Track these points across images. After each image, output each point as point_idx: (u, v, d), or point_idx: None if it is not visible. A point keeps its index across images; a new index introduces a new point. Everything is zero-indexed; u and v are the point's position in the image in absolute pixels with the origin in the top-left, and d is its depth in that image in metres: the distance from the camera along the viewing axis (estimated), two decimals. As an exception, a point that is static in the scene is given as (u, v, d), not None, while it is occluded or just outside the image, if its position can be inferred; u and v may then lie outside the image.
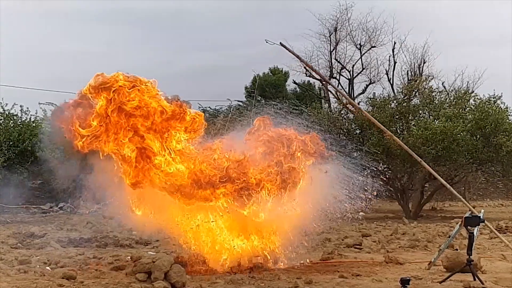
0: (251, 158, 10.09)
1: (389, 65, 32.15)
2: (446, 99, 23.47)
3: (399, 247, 12.95)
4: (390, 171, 22.17)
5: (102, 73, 9.84)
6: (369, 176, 11.70)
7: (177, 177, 9.69)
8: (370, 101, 24.00)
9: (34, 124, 24.95)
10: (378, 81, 32.28)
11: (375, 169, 13.47)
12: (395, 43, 32.07)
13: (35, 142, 23.03)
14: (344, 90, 31.69)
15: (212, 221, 10.02)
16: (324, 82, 30.91)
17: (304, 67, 30.33)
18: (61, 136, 9.99)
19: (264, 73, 36.65)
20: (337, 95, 27.35)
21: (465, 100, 22.73)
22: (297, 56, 12.29)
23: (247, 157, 9.99)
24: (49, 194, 24.44)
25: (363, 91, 32.19)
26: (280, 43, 10.91)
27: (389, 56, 32.17)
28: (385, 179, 21.86)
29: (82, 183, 10.62)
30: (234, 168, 9.87)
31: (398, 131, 22.07)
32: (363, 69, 32.22)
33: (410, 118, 22.50)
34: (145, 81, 9.81)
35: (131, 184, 9.68)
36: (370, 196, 11.49)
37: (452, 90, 26.17)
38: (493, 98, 21.85)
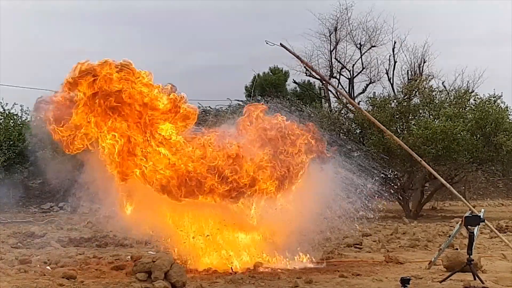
0: (244, 151, 9.71)
1: (389, 64, 32.17)
2: (446, 98, 23.48)
3: (399, 246, 12.95)
4: (402, 179, 22.09)
5: (86, 61, 9.37)
6: (377, 184, 11.56)
7: (162, 176, 9.37)
8: (370, 101, 24.02)
9: (35, 124, 24.96)
10: (378, 80, 32.31)
11: (384, 175, 13.36)
12: (395, 42, 32.10)
13: (34, 142, 22.96)
14: (344, 90, 31.69)
15: (207, 235, 9.79)
16: (324, 82, 30.91)
17: (305, 67, 30.34)
18: (47, 134, 9.64)
19: (264, 72, 36.64)
20: (337, 95, 27.38)
21: (465, 100, 22.74)
22: (297, 57, 12.26)
23: (240, 153, 9.62)
24: (49, 194, 24.45)
25: (363, 91, 32.22)
26: (281, 43, 10.78)
27: (389, 56, 32.20)
28: (396, 187, 21.74)
29: (77, 181, 10.35)
30: (225, 166, 9.49)
31: (398, 130, 22.08)
32: (363, 68, 32.24)
33: (410, 117, 22.51)
34: (137, 71, 9.40)
35: (119, 179, 9.42)
36: (379, 205, 11.36)
37: (452, 90, 26.19)
38: (493, 97, 21.87)
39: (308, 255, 10.32)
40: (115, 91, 9.21)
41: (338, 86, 31.41)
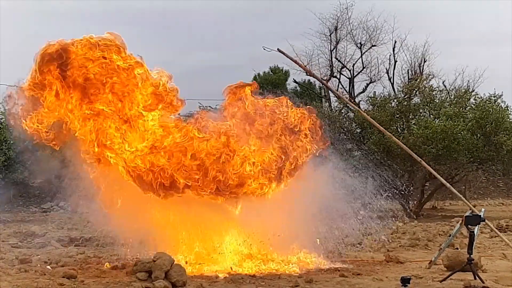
0: (234, 141, 8.98)
1: (389, 64, 32.12)
2: (447, 98, 23.48)
3: (400, 246, 12.94)
4: (411, 189, 22.06)
5: (60, 40, 8.54)
6: (386, 196, 11.45)
7: (134, 169, 8.80)
8: (370, 100, 24.02)
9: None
10: (378, 80, 32.26)
11: (394, 188, 13.42)
12: (395, 42, 32.04)
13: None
14: (345, 89, 31.71)
15: (199, 264, 9.25)
16: (325, 80, 30.90)
17: (305, 71, 30.29)
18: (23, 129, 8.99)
19: (264, 72, 36.63)
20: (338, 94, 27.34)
21: (466, 99, 22.75)
22: (295, 61, 12.33)
23: (230, 144, 8.88)
24: (50, 193, 24.46)
25: (364, 90, 32.17)
26: (278, 49, 10.53)
27: (390, 55, 32.15)
28: (404, 200, 21.66)
29: (68, 179, 9.96)
30: (209, 161, 8.78)
31: (399, 130, 22.07)
32: (363, 68, 32.19)
33: (410, 117, 22.49)
34: (127, 53, 8.68)
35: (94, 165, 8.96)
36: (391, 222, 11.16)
37: (452, 89, 26.21)
38: (494, 97, 21.87)
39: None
40: (90, 76, 8.53)
41: (338, 86, 31.43)
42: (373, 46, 31.98)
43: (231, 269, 9.45)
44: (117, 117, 8.82)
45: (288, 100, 9.79)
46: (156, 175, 8.90)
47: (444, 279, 8.66)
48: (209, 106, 29.12)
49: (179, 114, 9.53)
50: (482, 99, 21.86)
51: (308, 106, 10.17)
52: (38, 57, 8.59)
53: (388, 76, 32.01)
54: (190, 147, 8.98)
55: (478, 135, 20.77)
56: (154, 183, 8.92)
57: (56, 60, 8.53)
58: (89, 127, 8.82)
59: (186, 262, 9.31)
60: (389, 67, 32.10)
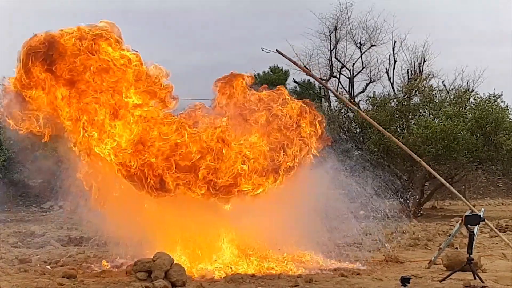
0: (228, 137, 8.69)
1: (389, 63, 32.08)
2: (446, 97, 23.49)
3: (399, 245, 12.94)
4: (411, 190, 22.10)
5: (47, 32, 8.21)
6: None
7: (129, 169, 8.53)
8: (370, 100, 24.03)
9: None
10: (378, 79, 32.23)
11: (393, 188, 13.51)
12: (395, 41, 32.01)
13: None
14: (344, 89, 31.71)
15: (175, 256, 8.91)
16: (324, 80, 30.89)
17: (304, 72, 30.30)
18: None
19: (264, 72, 36.61)
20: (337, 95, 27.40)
21: (465, 99, 22.75)
22: (294, 62, 12.36)
23: (226, 139, 8.58)
24: (49, 193, 24.45)
25: (363, 90, 32.14)
26: (277, 50, 10.48)
27: (389, 55, 32.12)
28: (404, 200, 21.65)
29: (65, 179, 9.80)
30: (202, 165, 8.48)
31: (399, 130, 22.08)
32: (363, 68, 32.16)
33: (410, 117, 22.50)
34: (121, 47, 8.36)
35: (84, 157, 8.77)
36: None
37: (452, 89, 26.18)
38: (493, 96, 21.88)
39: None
40: (79, 69, 8.25)
41: (338, 85, 31.43)
42: (372, 46, 31.96)
43: (231, 268, 9.46)
44: (106, 110, 8.59)
45: (287, 93, 9.53)
46: (146, 174, 8.71)
47: (444, 279, 8.66)
48: (210, 106, 29.07)
49: (179, 112, 9.38)
50: (482, 99, 21.87)
51: (307, 100, 9.89)
52: (23, 52, 8.34)
53: (388, 76, 32.00)
54: (181, 143, 8.74)
55: (478, 135, 20.78)
56: (145, 182, 8.76)
57: (43, 54, 8.28)
58: (76, 118, 8.59)
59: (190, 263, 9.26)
60: (388, 67, 32.09)
